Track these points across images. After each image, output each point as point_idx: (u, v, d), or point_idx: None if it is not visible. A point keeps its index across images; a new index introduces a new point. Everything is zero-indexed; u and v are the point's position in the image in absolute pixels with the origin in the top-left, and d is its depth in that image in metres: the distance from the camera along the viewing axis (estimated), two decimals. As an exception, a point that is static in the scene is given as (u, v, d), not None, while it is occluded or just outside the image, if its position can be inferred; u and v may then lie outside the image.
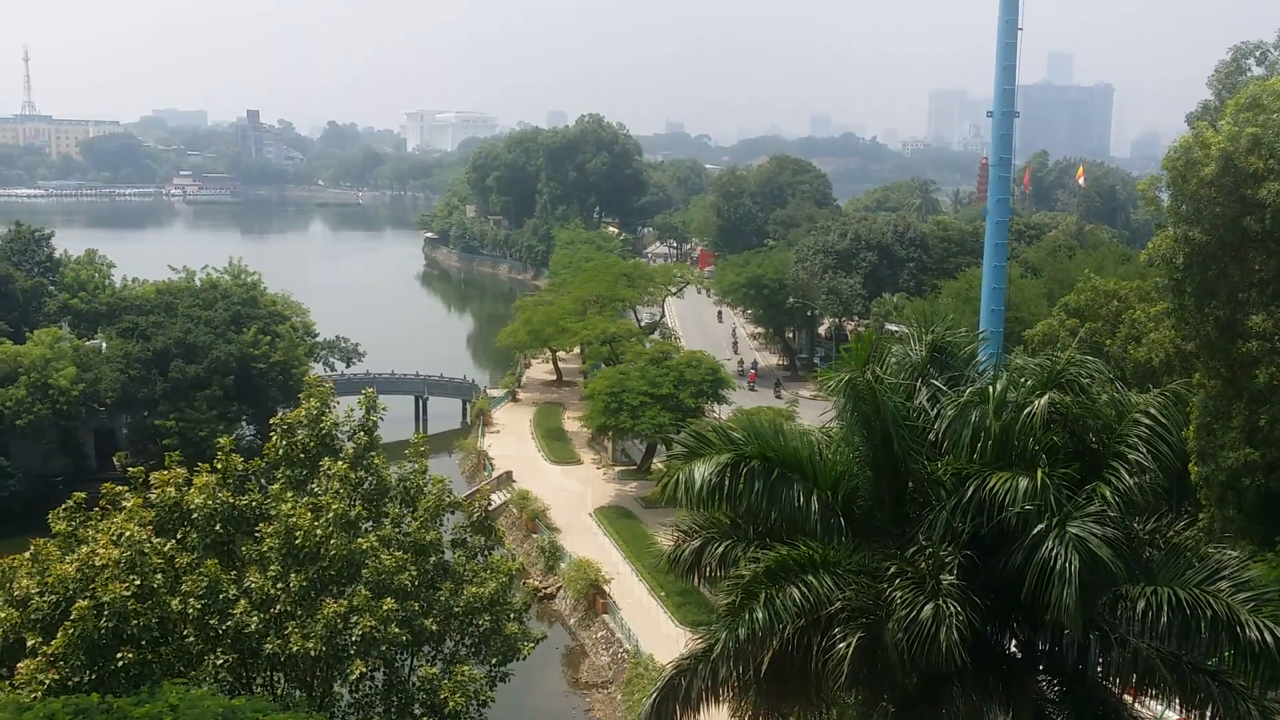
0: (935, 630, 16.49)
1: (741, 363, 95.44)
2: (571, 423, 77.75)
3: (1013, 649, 19.77)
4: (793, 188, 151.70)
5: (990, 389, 18.89)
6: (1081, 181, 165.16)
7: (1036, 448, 17.94)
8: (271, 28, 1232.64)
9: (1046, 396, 18.43)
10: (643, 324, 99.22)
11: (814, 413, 43.68)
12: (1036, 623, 18.70)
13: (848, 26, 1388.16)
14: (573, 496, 63.64)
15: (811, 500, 19.11)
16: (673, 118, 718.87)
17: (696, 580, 21.66)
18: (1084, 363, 19.71)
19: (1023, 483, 17.11)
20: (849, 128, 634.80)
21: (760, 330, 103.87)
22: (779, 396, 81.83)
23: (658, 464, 63.73)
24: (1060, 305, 49.53)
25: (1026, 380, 19.24)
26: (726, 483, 19.31)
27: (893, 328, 53.76)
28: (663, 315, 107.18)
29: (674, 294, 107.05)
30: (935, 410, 19.80)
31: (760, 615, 17.97)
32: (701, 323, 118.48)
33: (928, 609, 16.68)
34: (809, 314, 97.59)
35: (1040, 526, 16.93)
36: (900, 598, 17.11)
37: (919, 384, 20.46)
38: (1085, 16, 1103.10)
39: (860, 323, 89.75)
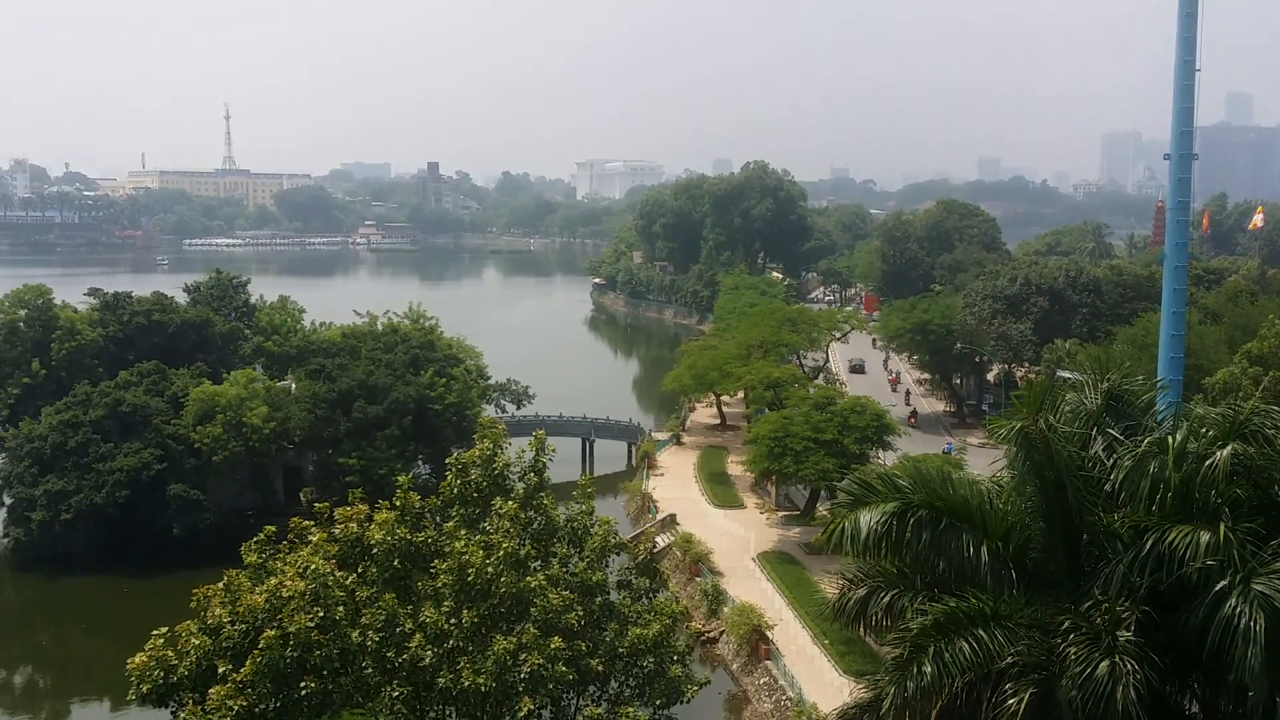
0: (1111, 689, 15.91)
1: (914, 413, 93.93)
2: (735, 467, 77.64)
3: (1194, 710, 18.86)
4: (960, 232, 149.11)
5: (1170, 439, 18.23)
6: (1260, 223, 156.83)
7: (1219, 500, 17.21)
8: (452, 83, 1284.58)
9: (1229, 447, 17.69)
10: (806, 369, 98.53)
11: (983, 461, 42.61)
12: (1219, 683, 17.87)
13: (1018, 68, 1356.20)
14: (736, 540, 63.43)
15: (981, 551, 18.73)
16: (837, 163, 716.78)
17: (862, 629, 21.42)
18: (1269, 413, 18.84)
19: (1204, 537, 16.43)
20: (1018, 171, 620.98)
21: (926, 376, 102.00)
22: (911, 422, 79.82)
23: (822, 510, 63.00)
24: (1242, 353, 47.25)
25: (1207, 430, 18.52)
26: (893, 531, 19.13)
27: (1065, 375, 52.14)
28: (827, 360, 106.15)
29: (838, 339, 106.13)
30: (1111, 460, 19.19)
31: (929, 669, 17.66)
32: (867, 368, 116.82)
33: (1103, 666, 16.10)
34: (977, 360, 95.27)
35: (1223, 583, 16.24)
36: (1074, 654, 16.58)
37: (1094, 433, 19.87)
38: (1265, 56, 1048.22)
39: (1031, 369, 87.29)
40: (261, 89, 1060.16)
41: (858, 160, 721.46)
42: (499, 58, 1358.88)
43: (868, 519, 19.24)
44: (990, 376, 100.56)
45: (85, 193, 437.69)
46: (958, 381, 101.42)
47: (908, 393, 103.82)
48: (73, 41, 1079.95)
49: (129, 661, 23.83)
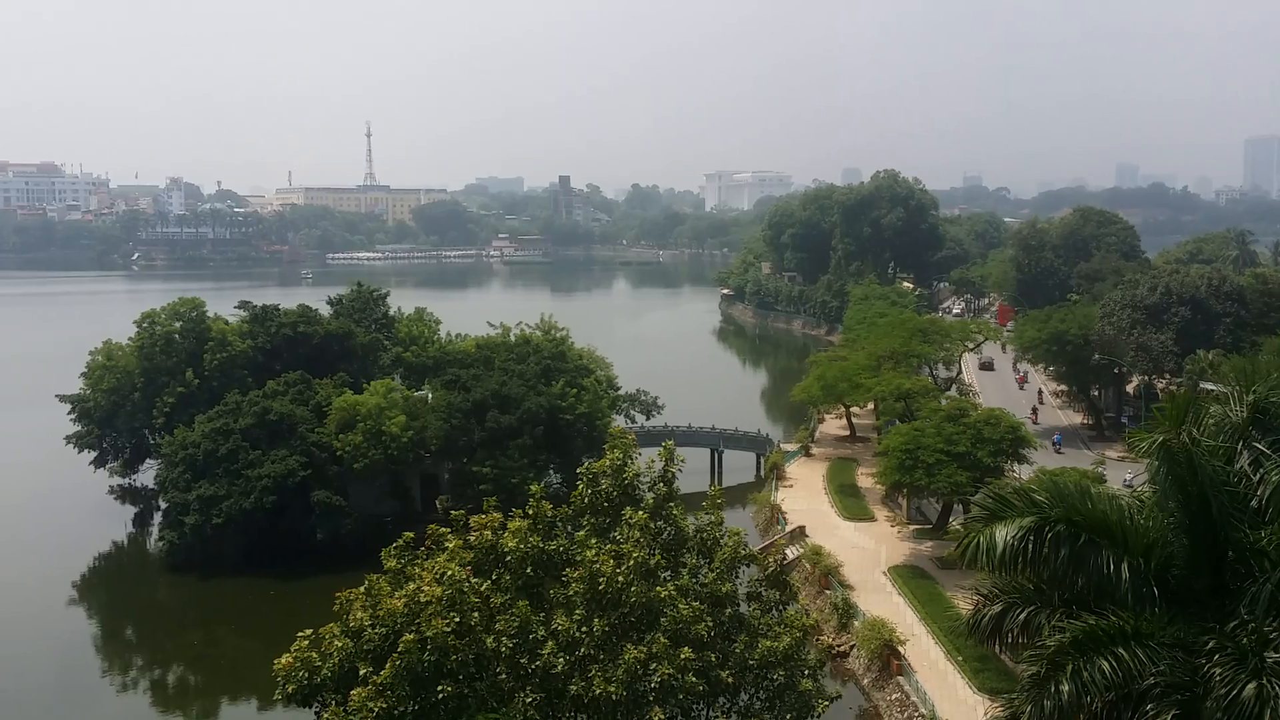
0: (1259, 711, 15.37)
1: (1035, 409, 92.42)
2: (865, 479, 76.76)
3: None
4: (1097, 240, 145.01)
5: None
6: None
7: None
8: (582, 95, 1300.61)
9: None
10: (938, 380, 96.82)
11: (1122, 475, 41.32)
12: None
13: (1158, 74, 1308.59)
14: (866, 554, 62.65)
15: (1121, 568, 18.26)
16: (969, 171, 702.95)
17: (996, 646, 21.07)
18: None
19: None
20: (1158, 177, 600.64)
21: (1063, 388, 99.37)
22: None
23: (954, 524, 61.79)
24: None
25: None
26: (1030, 547, 18.80)
27: (1209, 387, 50.10)
28: (959, 371, 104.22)
29: (971, 350, 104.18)
30: (1258, 475, 18.54)
31: (1067, 688, 17.29)
32: (1000, 380, 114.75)
33: (1250, 688, 15.55)
34: (1115, 371, 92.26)
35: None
36: (1219, 675, 16.05)
37: (1240, 447, 19.20)
38: None
39: (1172, 381, 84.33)
40: (402, 106, 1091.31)
41: (990, 168, 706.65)
42: (630, 75, 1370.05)
43: (1003, 534, 18.94)
44: (1129, 388, 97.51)
45: (236, 209, 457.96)
46: (1096, 393, 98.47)
47: (1040, 392, 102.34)
48: (225, 66, 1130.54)
49: (275, 662, 24.79)
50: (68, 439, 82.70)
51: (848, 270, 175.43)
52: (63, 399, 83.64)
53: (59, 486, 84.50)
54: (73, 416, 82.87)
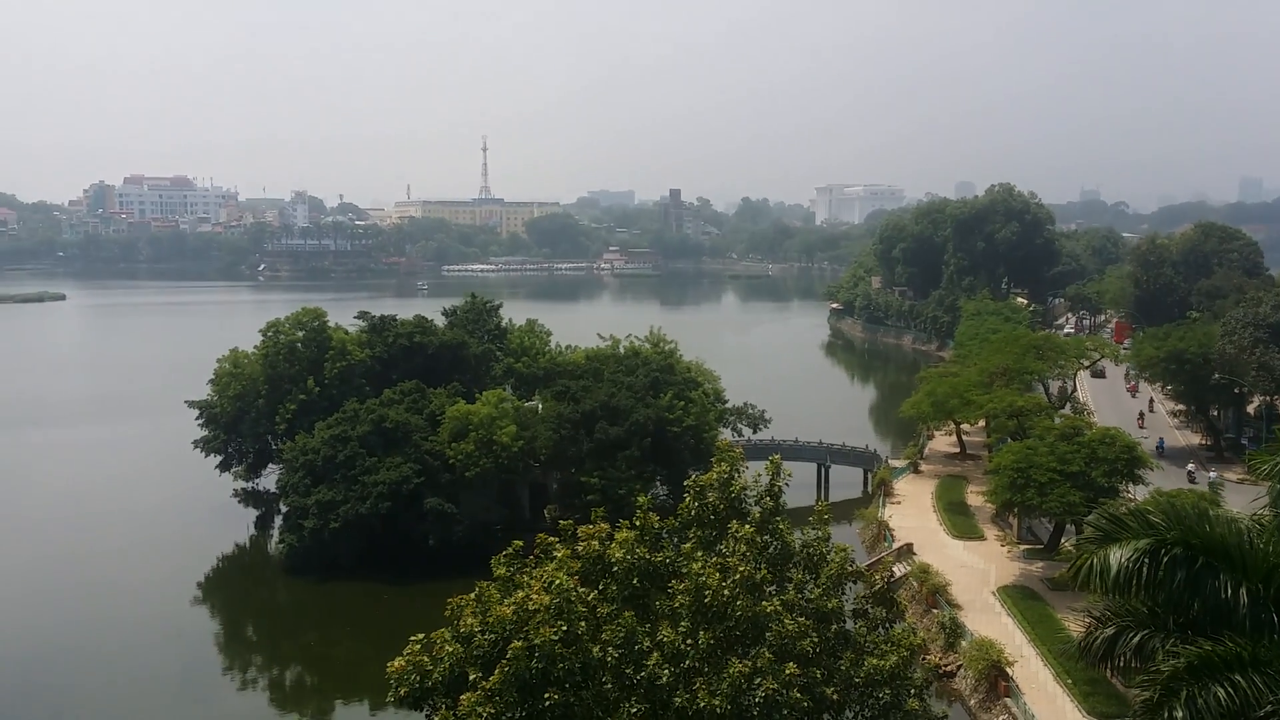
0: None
1: (1141, 415, 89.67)
2: (975, 497, 75.46)
3: None
4: (1219, 256, 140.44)
5: None
6: None
7: None
8: (694, 109, 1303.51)
9: None
10: (1052, 398, 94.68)
11: (1242, 499, 39.89)
12: None
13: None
14: (975, 573, 61.54)
15: (1240, 593, 17.80)
16: (1087, 185, 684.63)
17: (1108, 670, 20.67)
18: None
19: None
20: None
21: (1181, 408, 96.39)
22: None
23: (1066, 545, 60.36)
24: None
25: None
26: (1144, 570, 18.46)
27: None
28: (1074, 390, 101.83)
29: (1086, 368, 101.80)
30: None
31: (1180, 714, 16.94)
32: (1111, 387, 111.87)
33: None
34: (1236, 391, 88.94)
35: None
36: (1345, 708, 15.51)
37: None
38: None
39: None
40: (518, 121, 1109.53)
41: (1109, 182, 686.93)
42: (740, 89, 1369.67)
43: (1118, 556, 18.63)
44: (1250, 409, 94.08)
45: (356, 222, 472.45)
46: (1215, 414, 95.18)
47: (1150, 400, 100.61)
48: (345, 81, 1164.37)
49: (389, 665, 25.41)
50: (195, 443, 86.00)
51: (960, 285, 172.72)
52: (191, 405, 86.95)
53: (187, 489, 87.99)
54: (200, 422, 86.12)
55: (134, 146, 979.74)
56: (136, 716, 52.93)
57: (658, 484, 76.59)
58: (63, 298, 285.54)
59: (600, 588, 26.37)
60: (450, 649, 25.26)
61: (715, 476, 28.76)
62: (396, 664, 25.26)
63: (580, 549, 27.04)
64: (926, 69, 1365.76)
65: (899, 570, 61.67)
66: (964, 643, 52.28)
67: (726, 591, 25.10)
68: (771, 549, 28.05)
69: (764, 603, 25.70)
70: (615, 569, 26.34)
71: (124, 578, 70.41)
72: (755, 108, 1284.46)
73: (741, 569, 25.76)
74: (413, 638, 25.89)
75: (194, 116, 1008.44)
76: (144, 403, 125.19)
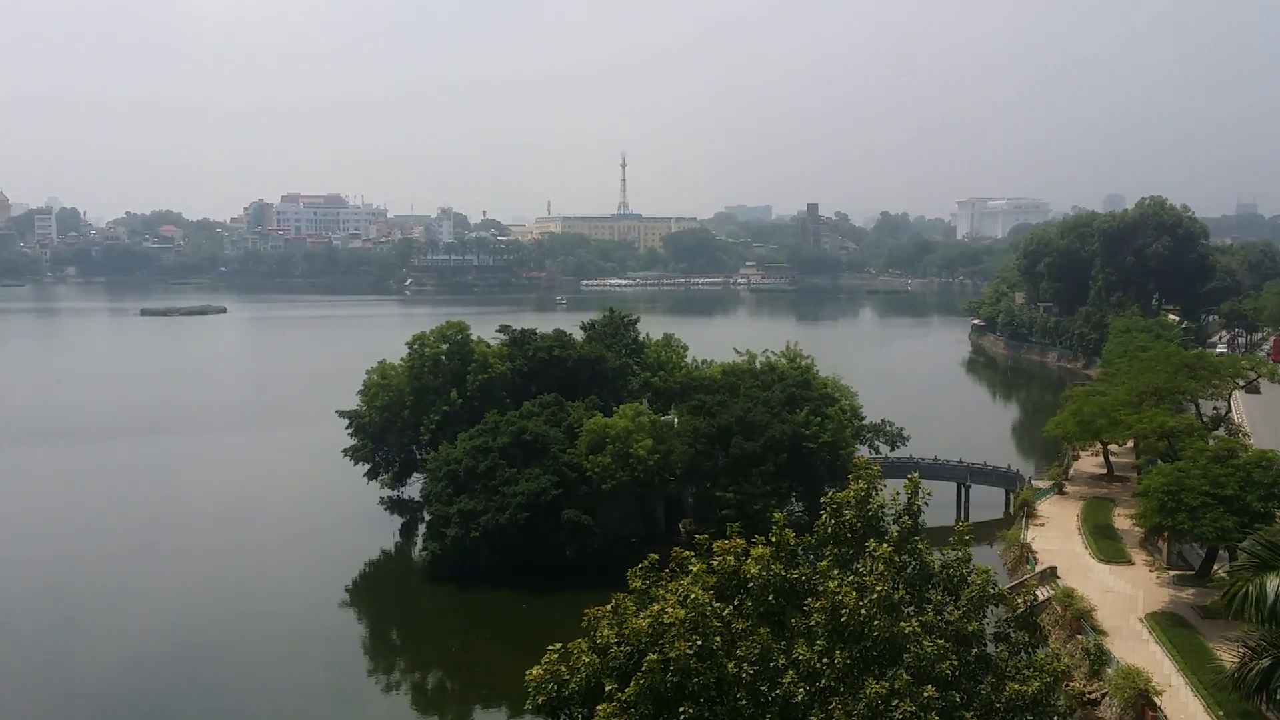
0: None
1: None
2: (1122, 520, 72.78)
3: None
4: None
5: None
6: None
7: None
8: (831, 122, 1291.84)
9: None
10: (1205, 419, 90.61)
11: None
12: None
13: None
14: (1121, 599, 59.33)
15: None
16: (1243, 198, 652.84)
17: (1263, 703, 19.79)
18: None
19: None
20: None
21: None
22: None
23: (1219, 571, 57.82)
24: None
25: None
26: (1306, 601, 17.58)
27: None
28: (1229, 410, 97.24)
29: (1241, 387, 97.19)
30: None
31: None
32: (1265, 403, 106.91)
33: None
34: None
35: None
36: None
37: None
38: None
39: None
40: (656, 137, 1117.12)
41: (1269, 195, 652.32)
42: (879, 97, 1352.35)
43: (1274, 584, 17.83)
44: None
45: (499, 238, 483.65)
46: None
47: None
48: (489, 100, 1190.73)
49: (527, 673, 25.85)
50: (345, 452, 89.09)
51: (1108, 301, 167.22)
52: (341, 415, 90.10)
53: (337, 496, 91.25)
54: (350, 431, 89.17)
55: (291, 166, 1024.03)
56: (286, 715, 55.05)
57: (793, 500, 76.21)
58: (223, 311, 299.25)
59: (735, 603, 26.36)
60: (587, 659, 25.55)
61: (852, 494, 28.50)
62: (535, 673, 25.65)
63: (715, 564, 27.11)
64: (1070, 67, 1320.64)
65: (1042, 594, 59.83)
66: (1109, 670, 50.51)
67: (864, 611, 24.85)
68: (910, 569, 27.67)
69: (902, 623, 25.35)
70: (750, 585, 26.33)
71: (278, 579, 73.57)
72: (894, 115, 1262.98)
73: (879, 588, 25.47)
74: (550, 647, 26.26)
75: (347, 137, 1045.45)
76: (298, 411, 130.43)
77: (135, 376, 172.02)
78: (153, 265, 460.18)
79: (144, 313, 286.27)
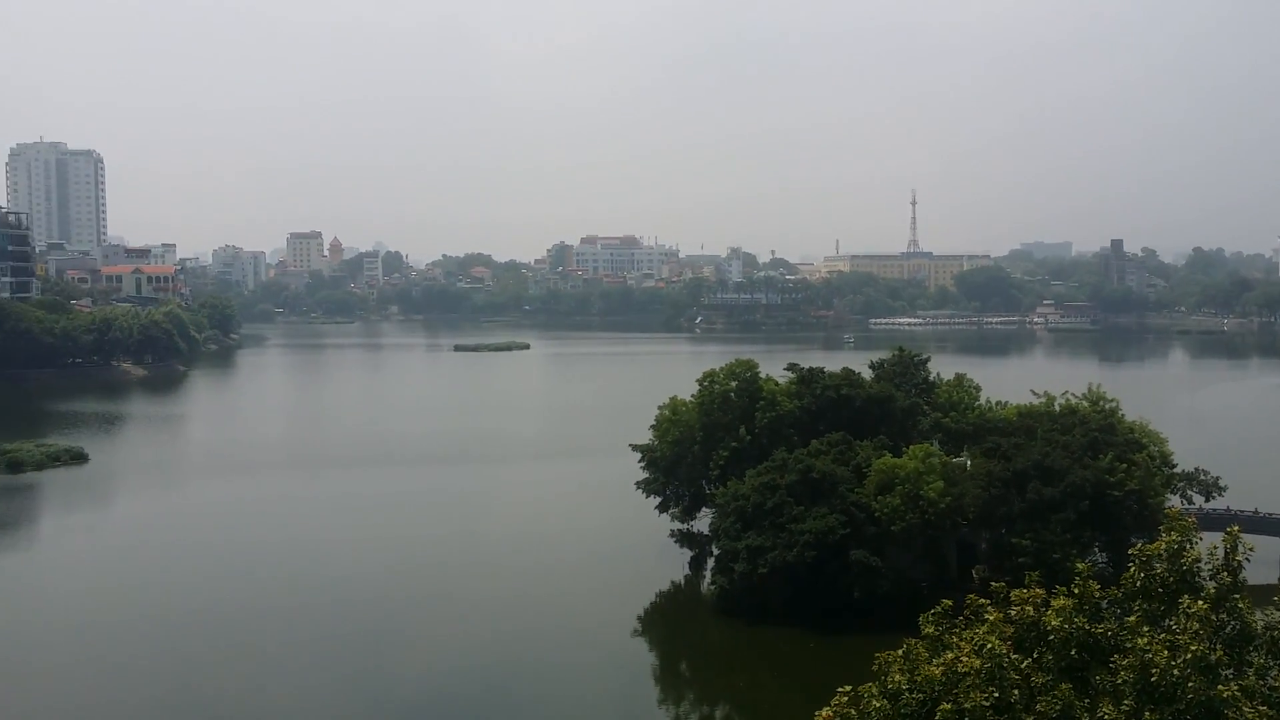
0: None
1: None
2: None
3: None
4: None
5: None
6: None
7: None
8: (1131, 150, 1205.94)
9: None
10: None
11: None
12: None
13: None
14: None
15: None
16: None
17: None
18: None
19: None
20: None
21: None
22: None
23: None
24: None
25: None
26: None
27: None
28: None
29: None
30: None
31: None
32: None
33: None
34: None
35: None
36: None
37: None
38: None
39: None
40: (944, 167, 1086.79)
41: None
42: (1182, 121, 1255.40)
43: None
44: None
45: (787, 277, 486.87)
46: None
47: None
48: (777, 142, 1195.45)
49: (816, 715, 26.00)
50: (637, 484, 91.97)
51: None
52: (635, 448, 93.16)
53: (629, 526, 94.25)
54: (642, 464, 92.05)
55: (590, 212, 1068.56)
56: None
57: (1096, 550, 72.29)
58: (527, 347, 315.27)
59: (1035, 656, 25.61)
60: (877, 704, 25.43)
61: (1164, 546, 27.09)
62: (824, 715, 25.76)
63: (1013, 613, 26.40)
64: None
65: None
66: None
67: (1176, 671, 23.61)
68: (1229, 629, 26.00)
69: (1220, 687, 23.87)
70: (1051, 637, 25.52)
71: (574, 602, 77.20)
72: (1199, 141, 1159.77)
73: (1194, 648, 24.11)
74: (840, 689, 26.32)
75: (640, 183, 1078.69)
76: (594, 443, 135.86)
77: (449, 408, 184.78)
78: (465, 304, 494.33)
79: (457, 348, 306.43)
